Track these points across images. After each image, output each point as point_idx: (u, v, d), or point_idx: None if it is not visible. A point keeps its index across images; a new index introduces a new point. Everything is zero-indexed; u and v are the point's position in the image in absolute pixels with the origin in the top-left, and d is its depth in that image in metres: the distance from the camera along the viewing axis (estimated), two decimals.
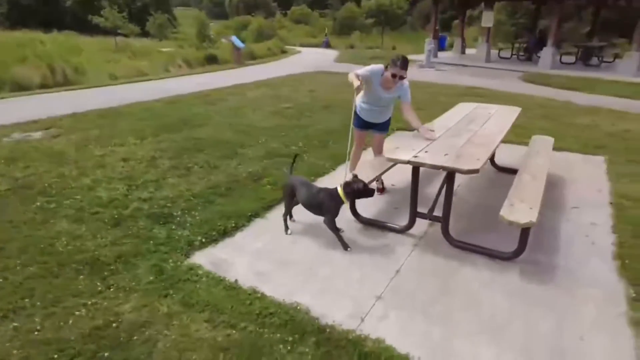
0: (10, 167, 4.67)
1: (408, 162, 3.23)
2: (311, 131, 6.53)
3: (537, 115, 7.79)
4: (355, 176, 3.38)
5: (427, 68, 14.55)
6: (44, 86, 10.63)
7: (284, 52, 24.71)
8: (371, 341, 2.37)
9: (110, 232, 3.45)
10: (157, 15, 39.30)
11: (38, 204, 3.84)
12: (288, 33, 37.20)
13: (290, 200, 3.63)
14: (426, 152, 3.38)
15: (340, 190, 3.32)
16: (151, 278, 2.88)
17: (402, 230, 3.65)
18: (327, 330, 2.45)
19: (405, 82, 3.98)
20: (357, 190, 3.29)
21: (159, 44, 31.72)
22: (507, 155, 5.36)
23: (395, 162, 3.34)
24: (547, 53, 14.11)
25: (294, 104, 8.45)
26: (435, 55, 16.66)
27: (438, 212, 3.52)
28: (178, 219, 3.75)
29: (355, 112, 4.24)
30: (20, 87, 10.24)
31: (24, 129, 6.34)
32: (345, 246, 3.41)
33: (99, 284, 2.80)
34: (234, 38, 17.17)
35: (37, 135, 6.02)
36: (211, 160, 5.15)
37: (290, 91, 9.93)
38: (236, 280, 2.93)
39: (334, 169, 5.18)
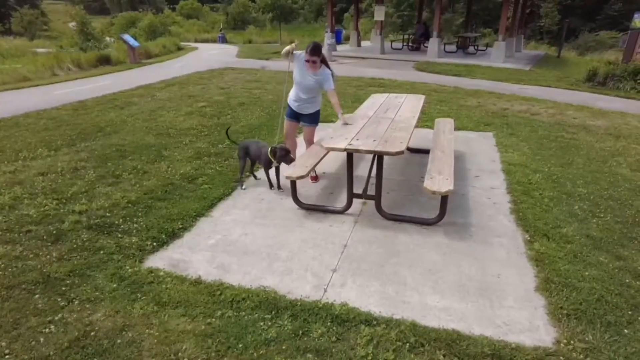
0: None
1: (345, 150, 3.64)
2: (236, 129, 6.65)
3: (434, 100, 8.82)
4: (285, 148, 4.27)
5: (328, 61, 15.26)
6: None
7: (180, 49, 23.73)
8: (337, 306, 2.73)
9: (53, 248, 3.32)
10: (23, 10, 34.85)
11: None
12: (180, 29, 35.61)
13: (245, 159, 4.64)
14: (357, 139, 3.82)
15: (269, 152, 4.34)
16: (114, 285, 2.90)
17: (342, 211, 4.06)
18: (298, 303, 2.75)
19: (327, 69, 4.43)
20: (280, 155, 4.28)
21: (31, 44, 28.29)
22: (414, 138, 6.10)
23: (333, 150, 3.72)
24: (433, 43, 15.72)
25: (209, 102, 8.42)
26: (335, 49, 17.48)
27: (370, 192, 4.01)
28: (122, 227, 3.71)
29: (288, 104, 4.67)
30: None
31: None
32: (270, 185, 4.63)
33: (59, 299, 2.75)
34: (127, 37, 16.11)
35: None
36: (139, 166, 5.05)
37: (202, 90, 9.80)
38: (199, 277, 3.08)
39: None
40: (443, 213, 3.74)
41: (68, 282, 2.92)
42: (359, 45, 19.40)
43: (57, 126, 6.55)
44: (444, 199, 3.65)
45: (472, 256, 3.31)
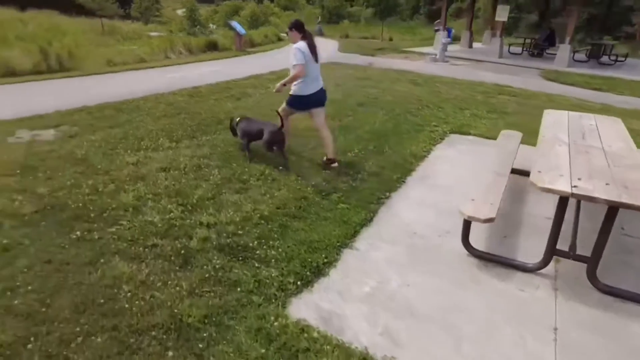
0: (30, 180, 3.76)
1: (572, 195, 2.56)
2: (361, 134, 5.80)
3: None
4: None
5: (440, 62, 13.91)
6: (37, 72, 9.49)
7: (280, 40, 23.67)
8: None
9: (182, 276, 2.67)
10: None
11: (77, 233, 3.00)
12: (278, 20, 35.91)
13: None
14: (579, 178, 2.72)
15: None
16: (262, 350, 2.15)
17: (533, 270, 3.00)
18: None
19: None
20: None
21: (145, 28, 30.06)
22: None
23: (550, 191, 2.65)
24: (564, 50, 13.65)
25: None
26: (446, 49, 16.02)
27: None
28: (258, 252, 3.00)
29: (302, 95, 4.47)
30: (11, 73, 9.08)
31: (30, 125, 5.38)
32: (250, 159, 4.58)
33: None
34: (235, 24, 16.06)
35: (49, 135, 5.08)
36: (266, 171, 4.36)
37: None
38: (366, 349, 2.24)
39: (404, 181, 4.48)
40: None
41: (204, 334, 2.22)
42: (470, 46, 17.69)
43: (175, 113, 6.16)
44: None
45: None
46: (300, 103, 4.52)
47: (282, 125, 4.48)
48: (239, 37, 15.57)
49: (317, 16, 38.36)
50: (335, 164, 4.65)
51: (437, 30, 19.66)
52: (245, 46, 16.27)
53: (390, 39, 27.94)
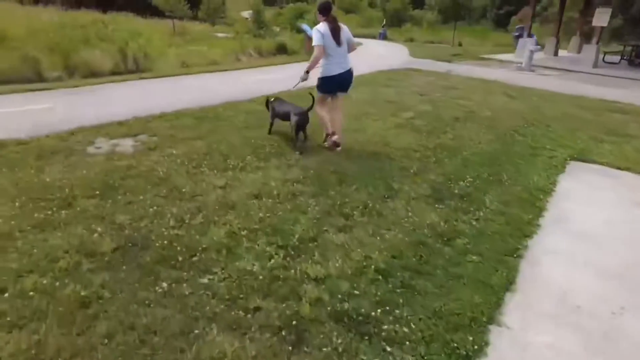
0: (109, 205, 3.28)
1: None
2: (468, 156, 4.94)
3: None
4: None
5: (527, 71, 12.57)
6: (115, 73, 9.48)
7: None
8: None
9: None
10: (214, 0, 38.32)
11: (164, 285, 2.41)
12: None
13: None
14: None
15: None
16: None
17: None
18: None
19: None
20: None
21: (212, 29, 30.63)
22: None
23: None
24: None
25: (416, 113, 6.84)
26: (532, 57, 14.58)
27: None
28: (384, 326, 2.28)
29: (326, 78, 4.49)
30: (92, 73, 9.11)
31: (109, 133, 5.05)
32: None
33: None
34: (305, 26, 15.58)
35: (128, 145, 4.69)
36: (369, 202, 3.64)
37: (397, 94, 8.28)
38: None
39: (538, 224, 3.59)
40: None
41: None
42: (555, 54, 16.04)
43: (258, 124, 5.61)
44: None
45: None
46: (329, 84, 4.53)
47: (312, 107, 4.64)
48: (309, 40, 15.07)
49: (382, 20, 37.34)
50: (339, 148, 4.74)
51: (517, 37, 18.14)
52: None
53: (459, 44, 26.45)
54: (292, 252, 2.83)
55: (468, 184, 4.19)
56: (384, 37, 31.99)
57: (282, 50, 14.81)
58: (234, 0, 64.89)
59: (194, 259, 2.67)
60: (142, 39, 15.77)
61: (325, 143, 4.84)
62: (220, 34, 26.38)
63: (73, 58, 9.12)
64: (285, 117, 4.81)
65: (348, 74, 4.52)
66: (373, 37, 31.78)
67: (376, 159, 4.72)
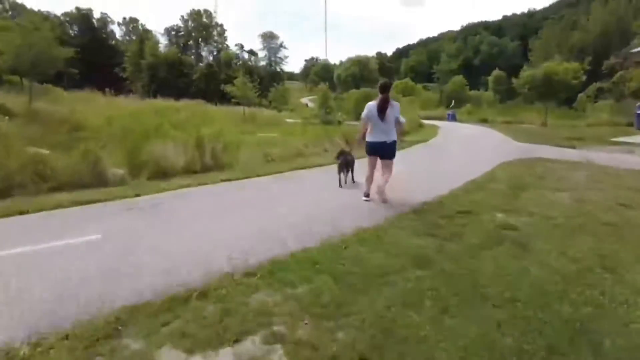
0: None
1: None
2: None
3: None
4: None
5: None
6: (189, 170, 7.44)
7: (420, 126, 21.03)
8: None
9: None
10: (280, 87, 39.00)
11: None
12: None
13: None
14: None
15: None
16: None
17: None
18: None
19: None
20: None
21: (280, 115, 30.14)
22: None
23: None
24: None
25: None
26: None
27: None
28: None
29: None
30: (161, 171, 7.10)
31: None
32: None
33: None
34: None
35: None
36: None
37: (586, 203, 5.37)
38: None
39: None
40: None
41: None
42: None
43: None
44: None
45: None
46: (368, 148, 5.26)
47: (351, 149, 6.61)
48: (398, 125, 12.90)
49: (450, 101, 35.77)
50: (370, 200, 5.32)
51: (639, 114, 15.05)
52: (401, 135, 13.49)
53: (544, 124, 23.57)
54: None
55: None
56: (453, 118, 29.86)
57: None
58: (295, 88, 67.89)
59: None
60: (216, 125, 14.50)
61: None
62: (289, 120, 25.51)
63: (142, 151, 7.23)
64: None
65: (386, 144, 5.12)
66: (439, 118, 29.84)
67: None
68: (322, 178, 7.05)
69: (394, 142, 5.13)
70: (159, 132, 10.29)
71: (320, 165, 8.29)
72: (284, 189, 6.32)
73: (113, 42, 65.38)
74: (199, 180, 6.64)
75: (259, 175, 7.15)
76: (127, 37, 67.23)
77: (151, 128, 11.41)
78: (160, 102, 27.08)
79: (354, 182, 6.34)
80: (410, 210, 4.95)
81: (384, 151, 5.12)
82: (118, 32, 68.29)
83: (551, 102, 24.00)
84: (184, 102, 28.96)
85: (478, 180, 6.67)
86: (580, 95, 27.53)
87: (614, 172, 7.66)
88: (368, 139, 5.17)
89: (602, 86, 28.65)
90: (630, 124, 17.61)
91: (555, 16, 51.91)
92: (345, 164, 6.16)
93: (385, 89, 5.04)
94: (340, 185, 6.15)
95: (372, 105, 5.05)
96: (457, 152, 10.79)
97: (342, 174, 6.18)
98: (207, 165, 7.83)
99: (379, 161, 5.27)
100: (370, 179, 5.38)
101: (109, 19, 65.51)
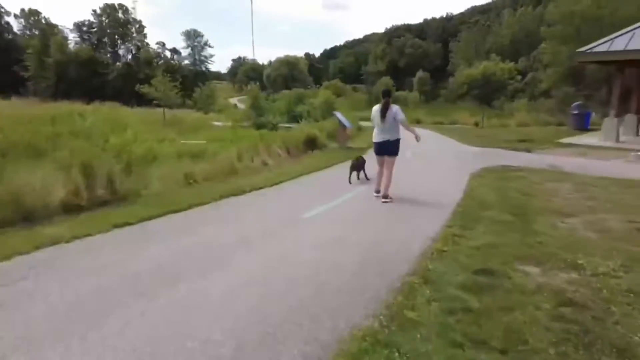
0: None
1: None
2: None
3: None
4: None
5: None
6: (69, 209, 5.04)
7: (359, 129, 19.74)
8: None
9: None
10: (204, 88, 35.38)
11: None
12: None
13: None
14: None
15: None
16: None
17: None
18: None
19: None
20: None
21: (207, 117, 27.21)
22: None
23: None
24: None
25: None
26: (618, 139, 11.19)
27: None
28: None
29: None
30: (26, 212, 4.66)
31: None
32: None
33: None
34: (339, 115, 11.96)
35: None
36: None
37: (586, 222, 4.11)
38: None
39: None
40: None
41: None
42: (637, 134, 12.77)
43: None
44: None
45: None
46: (374, 148, 5.83)
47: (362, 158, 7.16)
48: (344, 129, 11.31)
49: (372, 102, 35.15)
50: (389, 199, 5.58)
51: (575, 115, 15.09)
52: (345, 141, 11.92)
53: (476, 124, 23.71)
54: None
55: None
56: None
57: (311, 144, 10.88)
58: (222, 89, 63.93)
59: None
60: (128, 133, 11.64)
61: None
62: (216, 123, 22.73)
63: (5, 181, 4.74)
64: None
65: (389, 142, 5.58)
66: (365, 119, 28.95)
67: None
68: (269, 210, 5.09)
69: (397, 140, 5.60)
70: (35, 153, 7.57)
71: (260, 188, 6.29)
72: (210, 240, 4.03)
73: (9, 36, 56.37)
74: (78, 227, 4.29)
75: (174, 211, 4.97)
76: (28, 32, 58.37)
77: (31, 142, 8.59)
78: (66, 106, 22.77)
79: (367, 179, 6.87)
80: (388, 289, 2.96)
81: (387, 148, 5.61)
82: (16, 25, 59.06)
83: (479, 102, 24.19)
84: (94, 105, 24.81)
85: (464, 205, 5.18)
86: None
87: (591, 181, 6.72)
88: (373, 140, 5.78)
89: (517, 86, 29.95)
90: (562, 124, 17.96)
91: (471, 21, 54.43)
92: (357, 167, 6.88)
93: (385, 95, 5.65)
94: (350, 182, 6.72)
95: (376, 108, 5.62)
96: (415, 163, 9.25)
97: (352, 174, 6.85)
98: (100, 196, 5.49)
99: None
100: (380, 175, 5.81)
101: (2, 10, 56.29)
